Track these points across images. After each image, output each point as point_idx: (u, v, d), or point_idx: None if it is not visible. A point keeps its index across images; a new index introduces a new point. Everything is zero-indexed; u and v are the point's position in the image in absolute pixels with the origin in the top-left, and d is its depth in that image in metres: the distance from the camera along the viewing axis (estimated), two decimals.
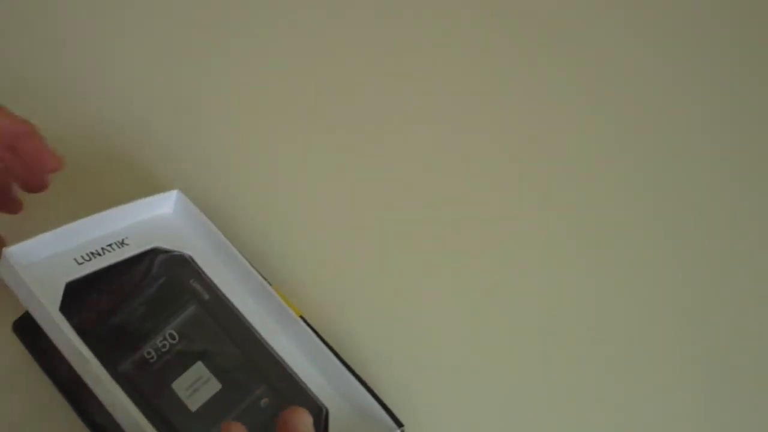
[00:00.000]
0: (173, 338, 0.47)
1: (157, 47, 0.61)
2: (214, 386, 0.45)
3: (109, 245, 0.47)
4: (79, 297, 0.46)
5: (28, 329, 0.47)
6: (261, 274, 0.48)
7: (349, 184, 0.56)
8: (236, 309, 0.48)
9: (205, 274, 0.48)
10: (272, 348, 0.47)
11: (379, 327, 0.51)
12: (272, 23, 0.62)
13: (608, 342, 0.51)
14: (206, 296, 0.48)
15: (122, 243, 0.48)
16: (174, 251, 0.49)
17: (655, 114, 0.59)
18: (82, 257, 0.47)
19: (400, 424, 0.45)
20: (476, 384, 0.49)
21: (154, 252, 0.48)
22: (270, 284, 0.48)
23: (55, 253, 0.46)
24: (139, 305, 0.47)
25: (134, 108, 0.58)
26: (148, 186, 0.51)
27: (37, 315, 0.44)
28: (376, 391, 0.46)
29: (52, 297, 0.44)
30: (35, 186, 0.49)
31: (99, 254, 0.47)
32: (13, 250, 0.44)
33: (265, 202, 0.55)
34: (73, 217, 0.47)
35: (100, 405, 0.43)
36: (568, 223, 0.55)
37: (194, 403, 0.45)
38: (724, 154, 0.58)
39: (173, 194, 0.50)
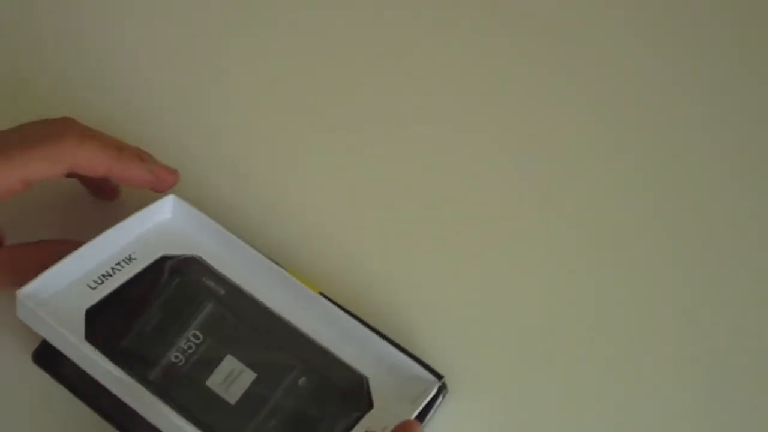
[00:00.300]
0: (197, 338, 0.46)
1: (154, 46, 0.61)
2: (249, 376, 0.45)
3: (118, 264, 0.47)
4: (98, 319, 0.46)
5: (49, 358, 0.47)
6: (271, 259, 0.49)
7: (349, 181, 0.56)
8: (254, 298, 0.48)
9: (216, 271, 0.48)
10: (298, 328, 0.47)
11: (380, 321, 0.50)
12: (272, 23, 0.62)
13: (608, 341, 0.51)
14: (222, 291, 0.48)
15: (130, 259, 0.48)
16: (181, 255, 0.49)
17: (655, 114, 0.59)
18: (95, 281, 0.46)
19: (440, 376, 0.46)
20: (477, 379, 0.49)
21: (162, 260, 0.48)
22: (281, 266, 0.48)
23: (68, 283, 0.46)
24: (157, 313, 0.47)
25: (152, 86, 0.59)
26: (142, 194, 0.51)
27: (64, 349, 0.44)
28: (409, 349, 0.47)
29: (75, 328, 0.44)
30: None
31: (110, 275, 0.47)
32: (26, 291, 0.44)
33: (263, 200, 0.55)
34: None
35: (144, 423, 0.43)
36: (568, 222, 0.55)
37: (233, 396, 0.45)
38: (725, 153, 0.58)
39: (170, 199, 0.49)
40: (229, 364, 0.46)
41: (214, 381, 0.45)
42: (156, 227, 0.49)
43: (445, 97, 0.59)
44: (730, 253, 0.54)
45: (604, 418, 0.49)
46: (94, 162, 0.47)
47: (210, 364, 0.46)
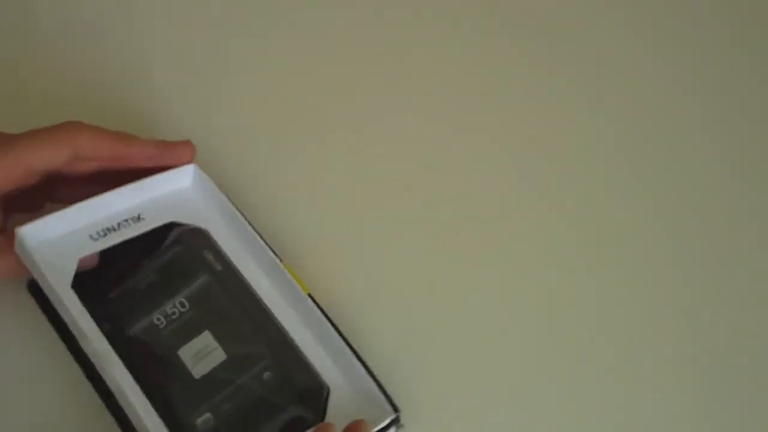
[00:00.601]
0: (183, 306, 0.47)
1: (155, 47, 0.61)
2: (220, 356, 0.46)
3: (125, 220, 0.47)
4: (91, 270, 0.46)
5: (40, 290, 0.47)
6: (273, 251, 0.49)
7: (355, 178, 0.56)
8: (248, 283, 0.48)
9: (219, 247, 0.49)
10: (280, 323, 0.47)
11: (382, 318, 0.51)
12: (272, 23, 0.62)
13: (609, 341, 0.51)
14: (219, 267, 0.48)
15: (138, 218, 0.48)
16: (190, 225, 0.49)
17: (655, 114, 0.59)
18: (98, 233, 0.46)
19: (396, 410, 0.45)
20: (477, 379, 0.49)
21: (170, 226, 0.48)
22: (281, 261, 0.48)
23: (71, 230, 0.46)
24: (152, 273, 0.48)
25: (152, 86, 0.59)
26: None
27: (47, 291, 0.45)
28: (377, 375, 0.46)
29: (64, 273, 0.44)
30: None
31: (114, 229, 0.47)
32: (26, 229, 0.44)
33: (262, 198, 0.54)
34: None
35: None
36: (569, 222, 0.55)
37: (198, 371, 0.45)
38: (724, 153, 0.58)
39: (190, 168, 0.49)
40: (205, 339, 0.46)
41: (186, 352, 0.46)
42: (172, 193, 0.49)
43: (444, 97, 0.60)
44: (730, 252, 0.54)
45: (604, 417, 0.49)
46: (97, 142, 0.46)
47: (187, 334, 0.46)
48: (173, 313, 0.47)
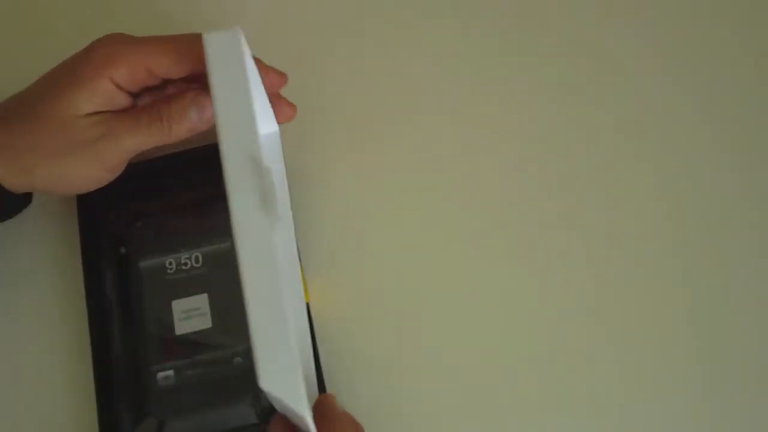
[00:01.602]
0: (197, 262, 0.48)
1: None
2: (206, 322, 0.46)
3: None
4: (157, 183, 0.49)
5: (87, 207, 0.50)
6: (298, 250, 0.49)
7: (364, 186, 0.54)
8: None
9: None
10: None
11: (379, 333, 0.50)
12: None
13: (623, 345, 0.50)
14: None
15: None
16: None
17: (677, 120, 0.55)
18: None
19: None
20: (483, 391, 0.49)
21: None
22: (300, 261, 0.48)
23: None
24: (191, 218, 0.49)
25: None
26: None
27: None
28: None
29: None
30: None
31: None
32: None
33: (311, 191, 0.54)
34: None
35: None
36: (582, 227, 0.53)
37: (180, 328, 0.46)
38: (735, 162, 0.54)
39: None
40: (201, 301, 0.47)
41: (178, 306, 0.47)
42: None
43: (459, 95, 0.56)
44: (741, 256, 0.52)
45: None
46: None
47: (187, 289, 0.47)
48: (185, 264, 0.48)
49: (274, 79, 0.47)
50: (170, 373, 0.46)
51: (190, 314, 0.47)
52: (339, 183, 0.53)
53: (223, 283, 0.47)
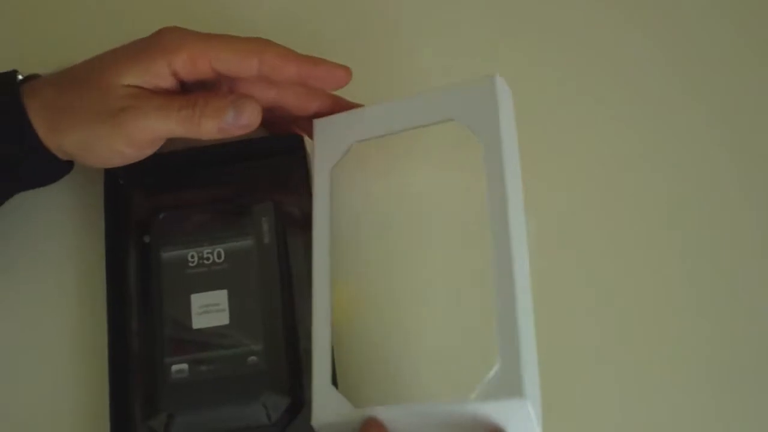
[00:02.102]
0: (219, 257, 0.47)
1: None
2: (223, 319, 0.46)
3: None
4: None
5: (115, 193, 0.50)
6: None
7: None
8: (288, 267, 0.48)
9: (274, 221, 0.48)
10: (296, 325, 0.47)
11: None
12: None
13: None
14: (266, 240, 0.48)
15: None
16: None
17: None
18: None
19: None
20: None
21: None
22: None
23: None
24: (217, 213, 0.49)
25: None
26: None
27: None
28: None
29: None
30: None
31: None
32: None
33: None
34: None
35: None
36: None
37: (197, 323, 0.46)
38: None
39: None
40: (220, 297, 0.46)
41: (198, 300, 0.46)
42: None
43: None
44: None
45: None
46: (285, 60, 0.46)
47: (208, 284, 0.47)
48: (207, 258, 0.47)
49: (338, 73, 0.47)
50: (184, 366, 0.45)
51: (209, 309, 0.46)
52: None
53: (243, 281, 0.47)
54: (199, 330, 0.46)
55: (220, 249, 0.48)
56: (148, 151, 0.46)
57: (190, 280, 0.47)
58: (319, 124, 0.49)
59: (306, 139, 0.51)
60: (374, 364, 0.48)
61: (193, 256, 0.47)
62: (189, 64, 0.45)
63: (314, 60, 0.47)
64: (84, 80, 0.45)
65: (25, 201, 0.49)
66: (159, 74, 0.45)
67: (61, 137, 0.45)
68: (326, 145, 0.48)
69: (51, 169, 0.47)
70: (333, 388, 0.43)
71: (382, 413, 0.41)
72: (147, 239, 0.49)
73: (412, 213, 0.51)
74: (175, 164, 0.50)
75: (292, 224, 0.49)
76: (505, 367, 0.40)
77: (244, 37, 0.47)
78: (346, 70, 0.48)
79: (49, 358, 0.49)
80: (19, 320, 0.50)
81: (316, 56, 0.47)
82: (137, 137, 0.45)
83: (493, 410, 0.40)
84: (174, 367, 0.45)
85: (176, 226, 0.48)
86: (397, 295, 0.50)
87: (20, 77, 0.47)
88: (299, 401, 0.45)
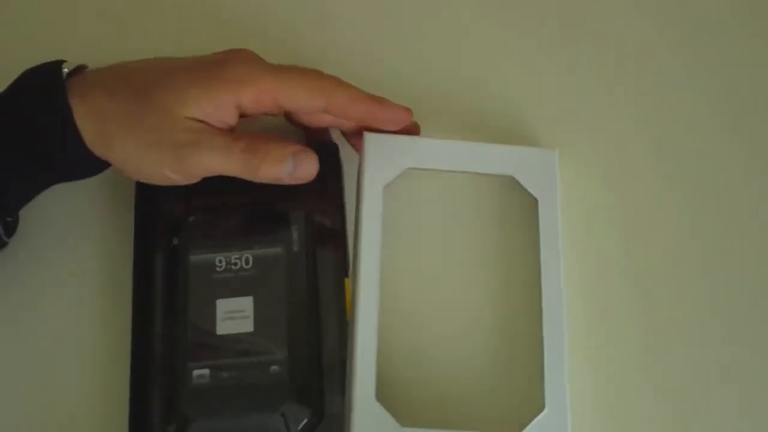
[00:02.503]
0: (247, 263, 0.47)
1: None
2: (247, 326, 0.45)
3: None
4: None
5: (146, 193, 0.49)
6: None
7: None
8: (316, 278, 0.48)
9: (310, 230, 0.48)
10: (322, 335, 0.47)
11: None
12: None
13: None
14: (295, 249, 0.47)
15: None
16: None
17: None
18: None
19: None
20: None
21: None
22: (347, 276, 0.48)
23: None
24: (248, 219, 0.49)
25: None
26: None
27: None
28: None
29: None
30: None
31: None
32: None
33: None
34: None
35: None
36: None
37: (222, 329, 0.46)
38: None
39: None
40: (245, 303, 0.46)
41: (223, 305, 0.46)
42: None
43: None
44: None
45: None
46: (354, 102, 0.47)
47: (234, 290, 0.46)
48: (235, 264, 0.47)
49: (402, 116, 0.48)
50: (206, 372, 0.45)
51: (234, 315, 0.46)
52: None
53: (270, 289, 0.46)
54: (222, 336, 0.45)
55: (248, 255, 0.47)
56: (196, 180, 0.46)
57: (217, 285, 0.46)
58: (370, 138, 0.49)
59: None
60: (414, 385, 0.48)
61: (221, 261, 0.47)
62: (254, 100, 0.45)
63: (380, 102, 0.47)
64: (142, 97, 0.44)
65: (56, 194, 0.49)
66: (226, 109, 0.45)
67: (108, 149, 0.45)
68: (377, 162, 0.48)
69: (90, 166, 0.47)
70: (378, 403, 0.44)
71: None
72: (176, 241, 0.48)
73: (462, 247, 0.51)
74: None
75: (322, 234, 0.49)
76: (551, 413, 0.45)
77: (311, 71, 0.46)
78: (409, 112, 0.48)
79: (69, 356, 0.49)
80: (43, 318, 0.50)
81: (381, 97, 0.47)
82: (193, 171, 0.45)
83: None
84: (195, 372, 0.45)
85: (205, 230, 0.48)
86: (444, 319, 0.49)
87: (66, 70, 0.45)
88: (320, 413, 0.45)
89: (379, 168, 0.48)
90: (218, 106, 0.44)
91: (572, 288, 0.49)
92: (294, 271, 0.47)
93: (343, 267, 0.48)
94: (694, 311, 0.50)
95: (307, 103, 0.46)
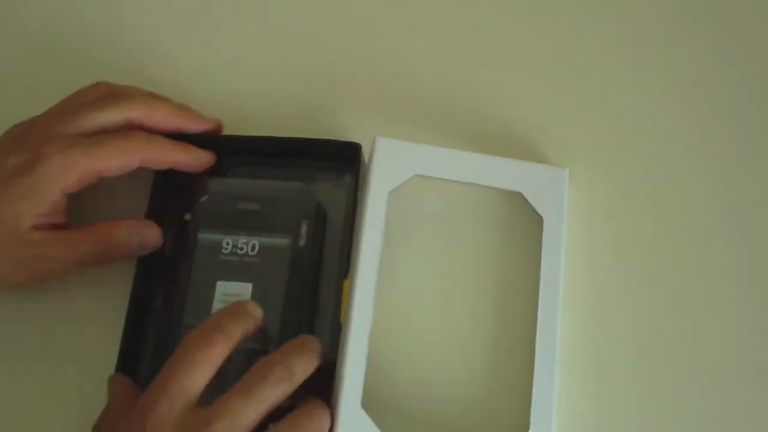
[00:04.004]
0: (253, 249, 0.48)
1: None
2: None
3: None
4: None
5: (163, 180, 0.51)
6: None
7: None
8: (318, 274, 0.49)
9: (320, 229, 0.49)
10: (311, 327, 0.47)
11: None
12: None
13: None
14: (302, 242, 0.48)
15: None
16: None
17: None
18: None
19: None
20: None
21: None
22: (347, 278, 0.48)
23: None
24: (261, 205, 0.49)
25: None
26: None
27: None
28: None
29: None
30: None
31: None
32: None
33: None
34: None
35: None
36: None
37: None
38: None
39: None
40: (244, 289, 0.47)
41: (222, 287, 0.47)
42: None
43: None
44: None
45: None
46: (164, 154, 0.49)
47: (234, 274, 0.47)
48: (241, 248, 0.47)
49: (204, 160, 0.51)
50: None
51: (231, 299, 0.46)
52: None
53: (270, 279, 0.47)
54: None
55: (255, 242, 0.48)
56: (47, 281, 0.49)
57: (220, 266, 0.47)
58: (380, 143, 0.49)
59: None
60: (401, 395, 0.48)
61: (228, 243, 0.48)
62: (78, 184, 0.47)
63: (184, 148, 0.50)
64: None
65: None
66: (56, 205, 0.47)
67: None
68: (385, 167, 0.49)
69: None
70: (362, 411, 0.44)
71: None
72: (187, 217, 0.49)
73: (462, 259, 0.51)
74: (231, 148, 0.51)
75: (330, 232, 0.49)
76: None
77: (120, 133, 0.48)
78: (211, 157, 0.50)
79: (63, 329, 0.50)
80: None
81: (186, 144, 0.50)
82: (40, 281, 0.48)
83: None
84: None
85: (218, 210, 0.49)
86: (437, 330, 0.50)
87: None
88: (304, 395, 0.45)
89: (387, 173, 0.49)
90: (46, 204, 0.46)
91: (570, 309, 0.49)
92: (296, 265, 0.47)
93: (344, 268, 0.48)
94: (695, 337, 0.50)
95: (124, 168, 0.48)
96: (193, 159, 0.50)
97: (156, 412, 0.40)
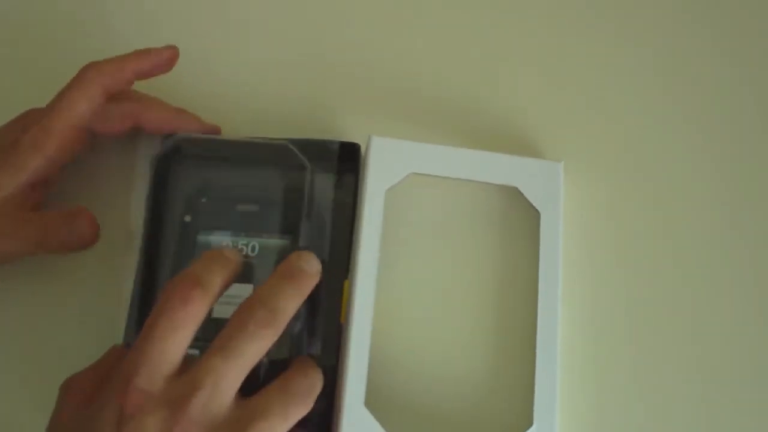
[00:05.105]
0: (253, 251, 0.47)
1: None
2: None
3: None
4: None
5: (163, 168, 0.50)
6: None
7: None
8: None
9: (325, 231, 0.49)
10: (312, 329, 0.47)
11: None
12: None
13: None
14: (302, 243, 0.48)
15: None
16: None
17: None
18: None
19: None
20: None
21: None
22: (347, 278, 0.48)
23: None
24: (262, 206, 0.49)
25: None
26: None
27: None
28: None
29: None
30: None
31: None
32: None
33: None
34: None
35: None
36: None
37: (217, 312, 0.46)
38: None
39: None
40: (244, 291, 0.47)
41: None
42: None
43: None
44: None
45: None
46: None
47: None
48: (241, 250, 0.47)
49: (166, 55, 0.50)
50: (196, 352, 0.45)
51: (230, 300, 0.46)
52: None
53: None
54: (216, 320, 0.46)
55: (255, 243, 0.48)
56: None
57: None
58: (375, 142, 0.49)
59: None
60: (404, 393, 0.49)
61: (227, 244, 0.48)
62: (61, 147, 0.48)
63: (142, 52, 0.50)
64: None
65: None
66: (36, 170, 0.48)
67: None
68: (381, 166, 0.49)
69: None
70: (366, 410, 0.44)
71: None
72: (188, 219, 0.49)
73: (460, 256, 0.52)
74: (230, 150, 0.51)
75: (330, 232, 0.49)
76: (540, 430, 0.45)
77: (73, 78, 0.48)
78: (172, 50, 0.50)
79: (63, 334, 0.50)
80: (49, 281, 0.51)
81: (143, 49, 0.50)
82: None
83: None
84: (188, 351, 0.45)
85: (219, 212, 0.48)
86: (438, 328, 0.50)
87: None
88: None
89: (383, 171, 0.49)
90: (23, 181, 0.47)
91: (569, 304, 0.49)
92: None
93: (344, 268, 0.48)
94: (694, 333, 0.51)
95: (92, 105, 0.48)
96: (155, 58, 0.49)
97: (136, 384, 0.39)
